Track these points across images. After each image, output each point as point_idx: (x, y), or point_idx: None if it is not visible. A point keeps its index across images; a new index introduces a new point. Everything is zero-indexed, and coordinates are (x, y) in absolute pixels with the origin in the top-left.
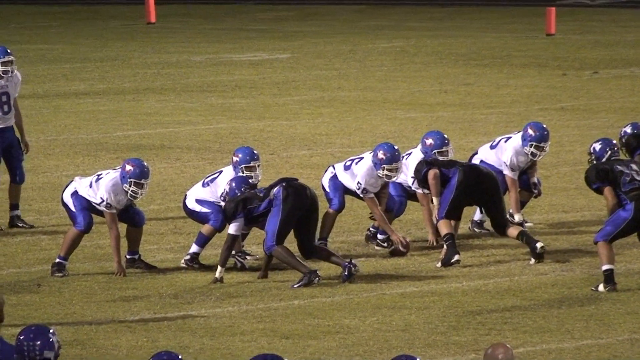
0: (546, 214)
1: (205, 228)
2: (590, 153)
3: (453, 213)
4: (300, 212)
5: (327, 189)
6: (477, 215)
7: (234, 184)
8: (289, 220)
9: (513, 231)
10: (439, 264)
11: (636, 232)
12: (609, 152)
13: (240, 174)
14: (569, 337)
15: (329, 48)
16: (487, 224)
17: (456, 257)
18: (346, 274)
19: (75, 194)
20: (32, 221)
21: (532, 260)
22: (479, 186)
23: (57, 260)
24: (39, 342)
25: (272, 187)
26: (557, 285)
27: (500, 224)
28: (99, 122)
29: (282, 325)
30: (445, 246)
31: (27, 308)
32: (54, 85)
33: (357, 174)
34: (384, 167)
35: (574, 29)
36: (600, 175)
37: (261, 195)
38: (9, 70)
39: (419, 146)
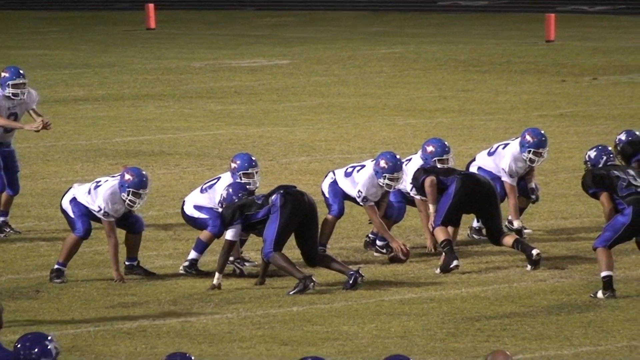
0: (545, 221)
1: (204, 234)
2: (586, 161)
3: (450, 221)
4: (299, 219)
5: (327, 195)
6: (477, 222)
7: (231, 190)
8: (287, 227)
9: (508, 240)
10: (438, 271)
11: (635, 238)
12: (605, 159)
13: (238, 180)
14: (568, 343)
15: (329, 54)
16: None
17: (455, 263)
18: (351, 282)
19: (74, 200)
20: (30, 227)
21: (529, 267)
22: (476, 195)
23: (56, 266)
24: (36, 350)
25: (270, 194)
26: (555, 291)
27: (496, 234)
28: (98, 128)
29: (281, 332)
30: (443, 253)
31: (25, 314)
32: (53, 91)
33: (358, 182)
34: (385, 175)
35: (573, 36)
36: (597, 181)
37: (259, 202)
38: (18, 93)
39: (419, 152)
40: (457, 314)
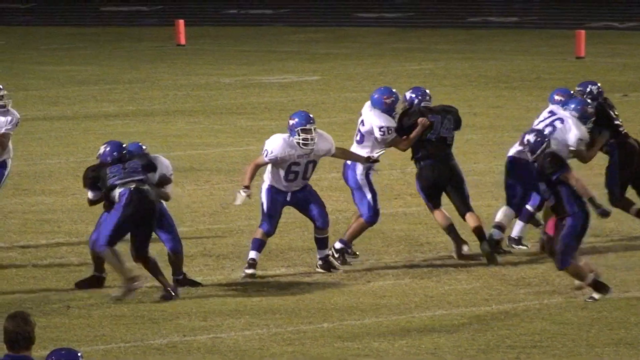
0: None
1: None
2: (525, 145)
3: (433, 203)
4: (137, 221)
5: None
6: (515, 232)
7: (108, 149)
8: (124, 225)
9: (471, 220)
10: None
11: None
12: (544, 145)
13: (297, 136)
14: None
15: (359, 70)
16: (525, 240)
17: (465, 249)
18: (164, 295)
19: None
20: (61, 243)
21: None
22: (438, 180)
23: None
24: None
25: (118, 179)
26: (586, 308)
27: (461, 209)
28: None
29: (311, 348)
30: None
31: (56, 330)
32: (83, 107)
33: (369, 122)
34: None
35: (603, 52)
36: (559, 161)
37: (109, 184)
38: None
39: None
40: (487, 330)
